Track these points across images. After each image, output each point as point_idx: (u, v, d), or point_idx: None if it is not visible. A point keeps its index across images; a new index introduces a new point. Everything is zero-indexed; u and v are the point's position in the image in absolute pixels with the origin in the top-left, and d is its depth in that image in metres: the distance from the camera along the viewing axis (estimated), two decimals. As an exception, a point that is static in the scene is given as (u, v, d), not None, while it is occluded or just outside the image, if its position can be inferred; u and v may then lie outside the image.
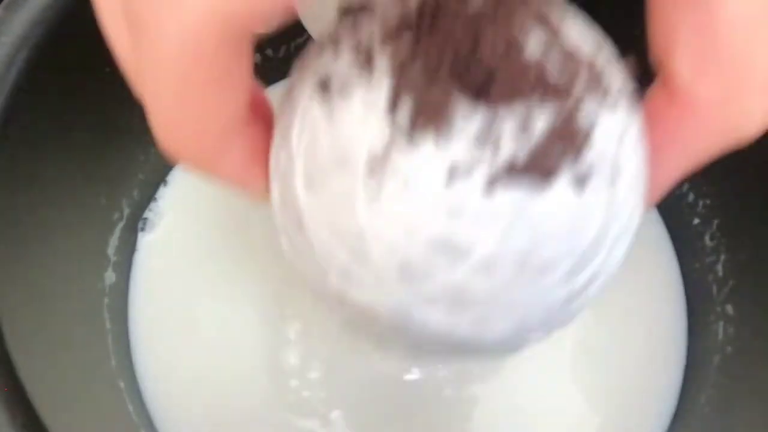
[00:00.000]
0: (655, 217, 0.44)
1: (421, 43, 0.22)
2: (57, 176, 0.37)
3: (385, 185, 0.22)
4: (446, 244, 0.23)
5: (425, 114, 0.22)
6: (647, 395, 0.40)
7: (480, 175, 0.22)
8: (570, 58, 0.23)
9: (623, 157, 0.23)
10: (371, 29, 0.24)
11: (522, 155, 0.22)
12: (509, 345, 0.27)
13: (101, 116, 0.38)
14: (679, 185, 0.35)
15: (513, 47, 0.22)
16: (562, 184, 0.22)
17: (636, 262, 0.27)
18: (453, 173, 0.22)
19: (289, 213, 0.25)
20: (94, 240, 0.40)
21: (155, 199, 0.44)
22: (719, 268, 0.40)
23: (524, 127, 0.22)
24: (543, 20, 0.23)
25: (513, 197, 0.22)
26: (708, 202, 0.41)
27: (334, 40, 0.24)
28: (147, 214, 0.44)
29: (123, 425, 0.38)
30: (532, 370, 0.39)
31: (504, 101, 0.22)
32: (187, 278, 0.42)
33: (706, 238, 0.41)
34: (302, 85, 0.24)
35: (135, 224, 0.43)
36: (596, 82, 0.23)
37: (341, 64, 0.23)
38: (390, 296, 0.24)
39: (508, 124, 0.22)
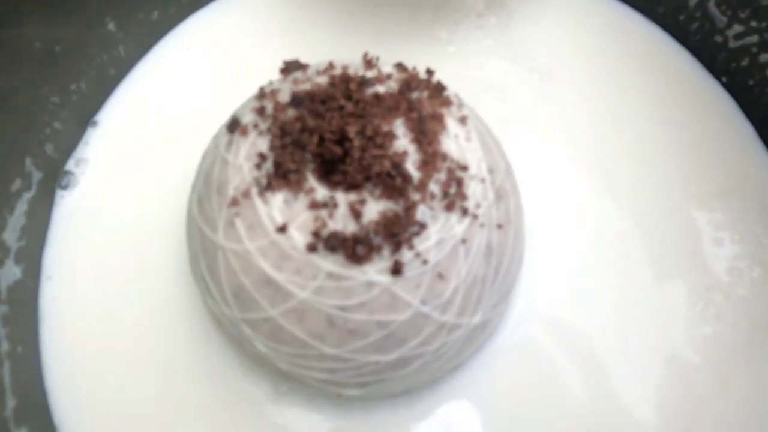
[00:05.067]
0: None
1: (303, 119, 0.28)
2: None
3: (238, 221, 0.28)
4: (271, 283, 0.28)
5: (281, 177, 0.28)
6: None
7: (308, 235, 0.27)
8: (428, 164, 0.28)
9: (449, 264, 0.28)
10: (275, 97, 0.30)
11: (347, 233, 0.27)
12: (329, 391, 0.31)
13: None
14: None
15: (372, 143, 0.28)
16: (378, 267, 0.27)
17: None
18: (287, 228, 0.27)
19: (188, 216, 0.33)
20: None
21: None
22: None
23: (356, 211, 0.27)
24: (422, 125, 0.29)
25: (331, 263, 0.27)
26: None
27: (263, 94, 0.31)
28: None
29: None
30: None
31: (344, 187, 0.28)
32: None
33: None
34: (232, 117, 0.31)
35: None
36: (443, 191, 0.28)
37: (248, 113, 0.31)
38: (228, 313, 0.30)
39: (342, 205, 0.27)
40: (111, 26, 0.40)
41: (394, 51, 0.41)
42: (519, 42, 0.44)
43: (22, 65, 0.35)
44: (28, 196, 0.37)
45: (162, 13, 0.42)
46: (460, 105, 0.32)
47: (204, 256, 0.30)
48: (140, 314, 0.38)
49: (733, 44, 0.40)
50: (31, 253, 0.37)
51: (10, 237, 0.36)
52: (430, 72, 0.33)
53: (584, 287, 0.38)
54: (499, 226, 0.30)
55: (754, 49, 0.39)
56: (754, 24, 0.39)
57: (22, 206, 0.37)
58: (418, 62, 0.40)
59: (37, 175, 0.38)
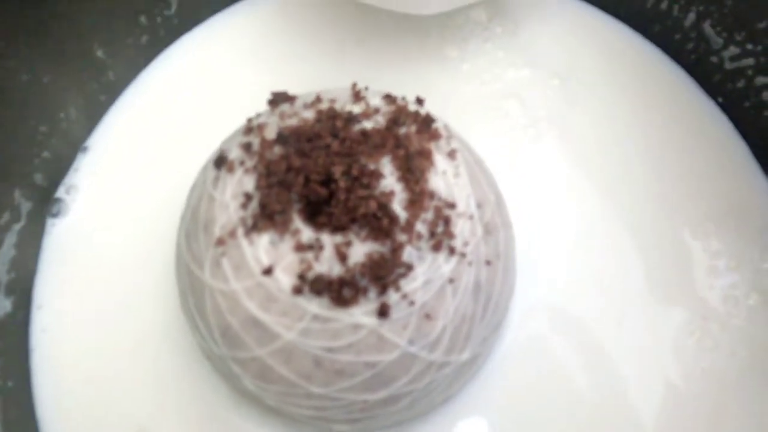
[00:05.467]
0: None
1: (289, 158, 0.28)
2: None
3: (224, 260, 0.28)
4: (258, 324, 0.28)
5: (266, 218, 0.28)
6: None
7: (294, 278, 0.27)
8: (415, 203, 0.28)
9: (436, 304, 0.28)
10: (262, 132, 0.30)
11: (332, 276, 0.27)
12: (319, 426, 0.32)
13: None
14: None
15: (359, 183, 0.27)
16: (364, 309, 0.27)
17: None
18: (272, 270, 0.27)
19: (177, 251, 0.33)
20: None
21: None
22: None
23: (341, 254, 0.27)
24: (409, 162, 0.28)
25: (317, 306, 0.27)
26: None
27: (250, 128, 0.31)
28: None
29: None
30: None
31: (330, 228, 0.27)
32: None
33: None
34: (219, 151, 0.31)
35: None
36: (430, 231, 0.28)
37: (235, 148, 0.30)
38: (217, 350, 0.30)
39: (328, 247, 0.27)
40: (100, 53, 0.39)
41: (408, 77, 0.42)
42: (530, 48, 0.43)
43: (8, 99, 0.35)
44: (17, 227, 0.37)
45: (151, 37, 0.42)
46: (450, 137, 0.31)
47: (192, 294, 0.30)
48: (131, 343, 0.37)
49: (728, 66, 0.40)
50: (22, 284, 0.37)
51: (0, 270, 0.36)
52: (420, 101, 0.32)
53: (577, 315, 0.37)
54: (488, 263, 0.30)
55: (750, 72, 0.39)
56: (749, 47, 0.38)
57: (11, 239, 0.37)
58: (435, 85, 0.41)
59: (26, 206, 0.37)
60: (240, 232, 0.28)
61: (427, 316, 0.28)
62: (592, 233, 0.39)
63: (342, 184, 0.27)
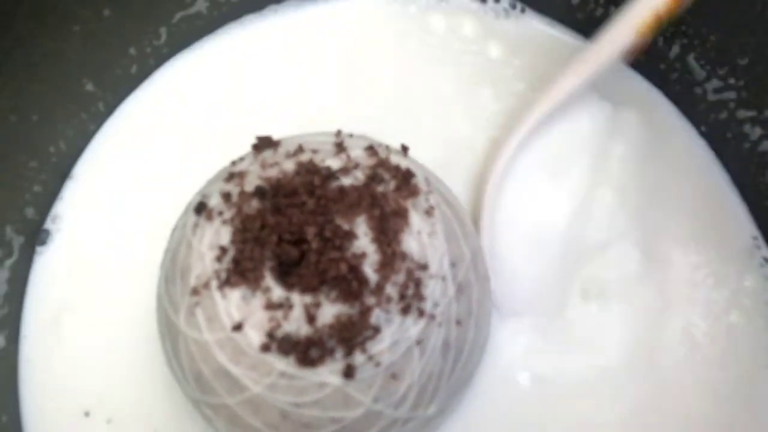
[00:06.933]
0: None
1: (264, 215, 0.29)
2: None
3: (198, 311, 0.29)
4: (228, 375, 0.28)
5: (239, 273, 0.28)
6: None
7: (263, 335, 0.27)
8: (387, 265, 0.28)
9: (403, 364, 0.28)
10: (242, 182, 0.30)
11: (300, 335, 0.27)
12: None
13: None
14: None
15: (331, 244, 0.28)
16: (330, 369, 0.27)
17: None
18: (243, 326, 0.28)
19: (157, 291, 0.33)
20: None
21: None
22: None
23: (310, 315, 0.27)
24: (384, 223, 0.29)
25: (284, 364, 0.27)
26: None
27: (231, 175, 0.31)
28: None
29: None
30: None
31: (300, 288, 0.28)
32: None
33: None
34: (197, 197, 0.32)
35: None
36: (400, 293, 0.28)
37: (215, 194, 0.31)
38: (190, 392, 0.31)
39: (298, 307, 0.27)
40: (89, 86, 0.40)
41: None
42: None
43: (-3, 139, 0.35)
44: (9, 262, 0.37)
45: (141, 66, 0.42)
46: (429, 193, 0.31)
47: (168, 337, 0.31)
48: (117, 370, 0.38)
49: (711, 97, 0.41)
50: (14, 318, 0.38)
51: (-7, 307, 0.36)
52: (405, 148, 0.33)
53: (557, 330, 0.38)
54: (459, 322, 0.30)
55: (732, 105, 0.40)
56: (732, 81, 0.39)
57: (3, 274, 0.37)
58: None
59: (18, 240, 0.38)
60: (214, 284, 0.28)
61: (393, 376, 0.28)
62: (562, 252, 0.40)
63: (314, 245, 0.27)
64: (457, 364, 0.30)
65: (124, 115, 0.43)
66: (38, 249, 0.39)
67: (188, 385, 0.30)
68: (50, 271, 0.39)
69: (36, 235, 0.39)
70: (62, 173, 0.40)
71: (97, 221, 0.40)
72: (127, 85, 0.42)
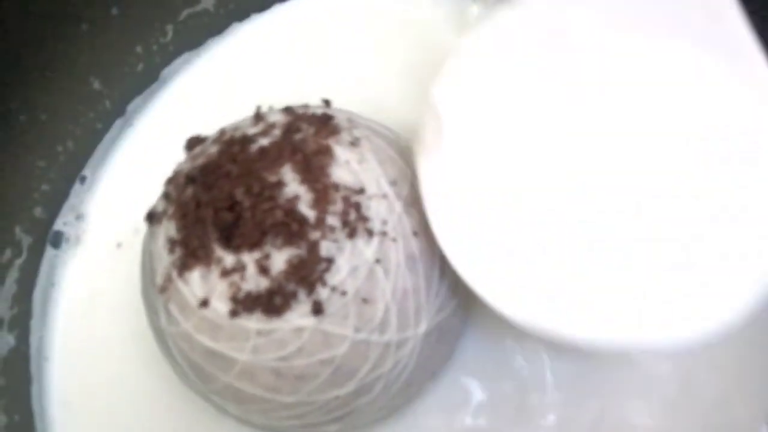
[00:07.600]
0: None
1: (197, 196, 0.29)
2: None
3: (170, 305, 0.30)
4: (214, 354, 0.29)
5: (191, 255, 0.29)
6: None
7: (228, 302, 0.28)
8: (321, 199, 0.28)
9: (370, 287, 0.28)
10: (177, 179, 0.31)
11: (260, 289, 0.28)
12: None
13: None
14: None
15: (262, 197, 0.28)
16: (299, 312, 0.28)
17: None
18: (208, 301, 0.28)
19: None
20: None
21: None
22: None
23: (263, 267, 0.28)
24: (308, 164, 0.29)
25: (255, 322, 0.28)
26: None
27: (170, 179, 0.32)
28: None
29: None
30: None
31: (247, 247, 0.28)
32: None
33: None
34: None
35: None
36: (342, 221, 0.28)
37: (159, 200, 0.32)
38: (196, 388, 0.31)
39: (250, 265, 0.28)
40: (96, 85, 0.40)
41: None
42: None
43: (7, 139, 0.35)
44: (18, 262, 0.37)
45: (147, 64, 0.42)
46: (352, 128, 0.32)
47: (160, 343, 0.32)
48: (133, 368, 0.38)
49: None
50: (24, 318, 0.38)
51: (2, 307, 0.36)
52: (327, 102, 0.33)
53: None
54: (416, 233, 0.30)
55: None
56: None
57: (13, 274, 0.37)
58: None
59: (27, 240, 0.38)
60: (174, 275, 0.29)
61: (365, 301, 0.28)
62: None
63: (246, 203, 0.28)
64: (432, 276, 0.30)
65: (137, 114, 0.43)
66: (54, 251, 0.39)
67: (192, 382, 0.31)
68: (66, 271, 0.40)
69: (47, 236, 0.39)
70: (72, 173, 0.40)
71: (114, 222, 0.41)
72: (134, 83, 0.42)
